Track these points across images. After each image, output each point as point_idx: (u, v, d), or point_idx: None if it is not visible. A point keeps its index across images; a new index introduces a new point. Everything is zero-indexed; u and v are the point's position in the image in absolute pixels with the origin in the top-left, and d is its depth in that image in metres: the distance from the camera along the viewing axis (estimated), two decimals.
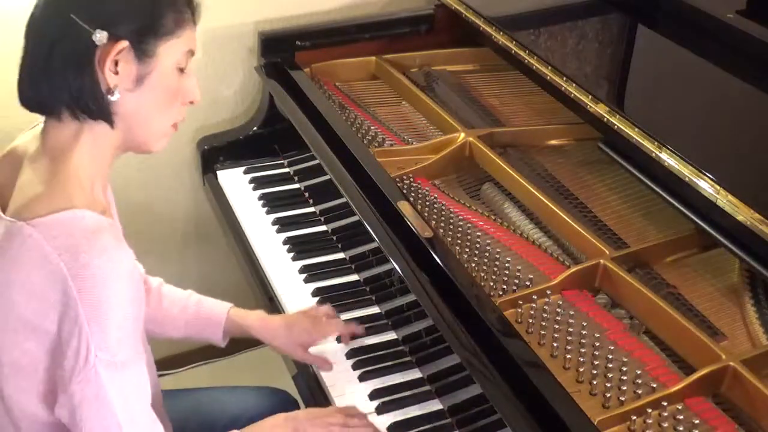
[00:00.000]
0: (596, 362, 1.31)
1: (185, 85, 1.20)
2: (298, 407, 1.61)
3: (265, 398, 1.62)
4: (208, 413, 1.57)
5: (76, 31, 1.07)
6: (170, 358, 2.41)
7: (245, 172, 2.03)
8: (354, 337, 1.56)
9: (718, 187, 1.32)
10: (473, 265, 1.49)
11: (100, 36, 1.07)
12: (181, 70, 1.18)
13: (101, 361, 1.07)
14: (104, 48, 1.08)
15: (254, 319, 1.55)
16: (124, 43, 1.09)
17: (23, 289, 1.08)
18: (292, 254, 1.78)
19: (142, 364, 1.15)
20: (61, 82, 1.10)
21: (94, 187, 1.16)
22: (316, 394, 1.50)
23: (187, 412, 1.55)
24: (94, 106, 1.11)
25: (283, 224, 1.86)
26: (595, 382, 1.28)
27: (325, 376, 1.50)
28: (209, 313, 1.53)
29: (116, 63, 1.10)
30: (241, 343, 2.46)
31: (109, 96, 1.11)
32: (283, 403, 1.61)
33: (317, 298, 1.65)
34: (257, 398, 1.61)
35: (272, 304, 1.69)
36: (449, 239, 1.55)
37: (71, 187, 1.12)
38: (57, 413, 1.12)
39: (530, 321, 1.38)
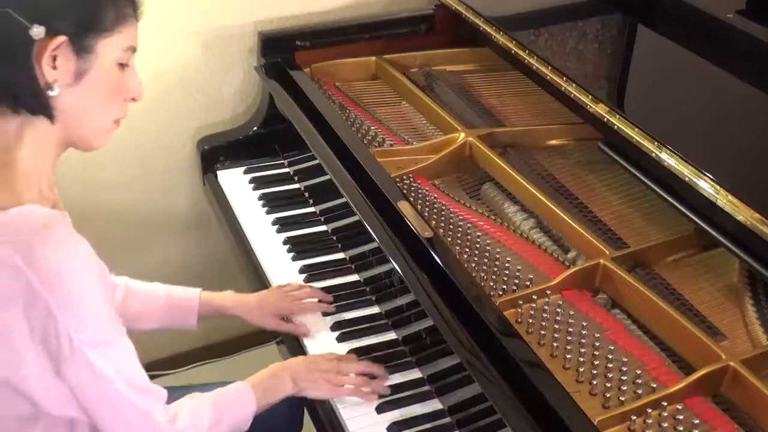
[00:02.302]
0: (596, 362, 1.31)
1: (127, 81, 1.19)
2: (300, 407, 1.61)
3: None
4: None
5: (13, 26, 1.07)
6: (170, 358, 2.42)
7: (245, 172, 2.03)
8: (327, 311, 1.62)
9: (718, 187, 1.32)
10: (473, 265, 1.49)
11: (38, 30, 1.07)
12: (123, 67, 1.18)
13: (85, 343, 1.10)
14: (42, 43, 1.08)
15: (227, 298, 1.60)
16: (62, 39, 1.09)
17: None
18: (292, 254, 1.78)
19: (124, 337, 1.18)
20: None
21: (40, 183, 1.17)
22: None
23: None
24: (33, 102, 1.12)
25: (283, 224, 1.86)
26: (595, 382, 1.28)
27: None
28: (181, 300, 1.57)
29: (54, 58, 1.10)
30: (241, 343, 2.48)
31: (48, 91, 1.11)
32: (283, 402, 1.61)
33: (321, 291, 1.65)
34: None
35: None
36: (449, 239, 1.55)
37: (18, 183, 1.13)
38: (43, 406, 1.14)
39: (530, 321, 1.38)
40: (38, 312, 1.07)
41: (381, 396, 1.44)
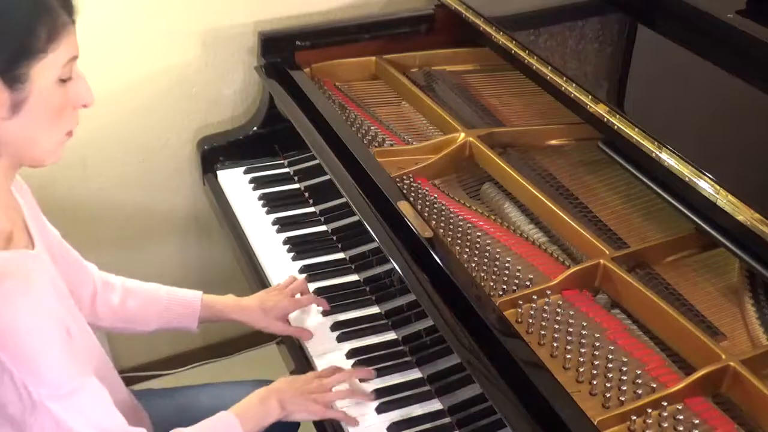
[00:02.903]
0: (596, 362, 1.31)
1: (73, 92, 1.11)
2: None
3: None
4: (198, 409, 1.58)
5: None
6: (170, 358, 2.42)
7: (245, 172, 2.03)
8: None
9: (718, 187, 1.32)
10: (473, 265, 1.49)
11: None
12: (65, 81, 1.09)
13: (47, 397, 1.07)
14: None
15: (228, 303, 1.58)
16: None
17: None
18: (292, 254, 1.78)
19: (91, 380, 1.14)
20: None
21: None
22: None
23: (176, 410, 1.55)
24: None
25: (283, 224, 1.86)
26: (595, 382, 1.28)
27: None
28: (183, 302, 1.54)
29: None
30: (241, 343, 2.48)
31: None
32: None
33: (312, 296, 1.65)
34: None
35: None
36: (449, 239, 1.55)
37: None
38: None
39: (530, 321, 1.38)
40: None
41: (378, 396, 1.44)
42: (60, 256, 1.32)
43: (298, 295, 1.62)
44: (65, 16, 1.06)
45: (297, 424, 1.61)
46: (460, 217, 1.61)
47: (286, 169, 2.03)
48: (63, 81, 1.09)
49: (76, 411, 1.10)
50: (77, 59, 1.11)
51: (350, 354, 1.53)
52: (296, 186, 1.98)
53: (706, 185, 1.34)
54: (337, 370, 1.45)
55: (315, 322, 1.61)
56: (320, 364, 1.52)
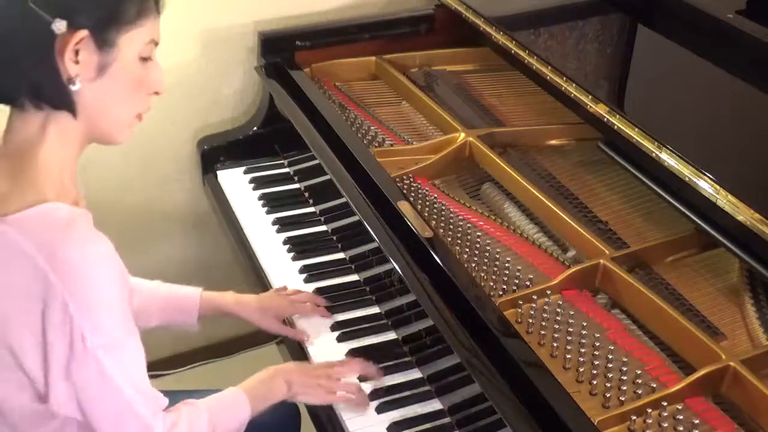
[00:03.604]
0: (596, 362, 1.31)
1: (150, 75, 1.18)
2: (297, 412, 1.61)
3: None
4: None
5: (35, 20, 1.06)
6: (170, 358, 2.42)
7: (245, 172, 2.03)
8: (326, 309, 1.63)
9: (718, 187, 1.32)
10: (473, 265, 1.49)
11: (60, 25, 1.06)
12: (145, 60, 1.16)
13: (98, 345, 1.09)
14: (64, 37, 1.07)
15: (228, 299, 1.59)
16: (84, 33, 1.07)
17: (3, 286, 1.09)
18: (292, 254, 1.78)
19: (137, 339, 1.17)
20: (21, 71, 1.09)
21: (63, 179, 1.16)
22: None
23: None
24: (56, 96, 1.11)
25: (283, 224, 1.86)
26: (595, 382, 1.28)
27: None
28: (183, 298, 1.56)
29: (77, 52, 1.08)
30: (241, 343, 2.48)
31: (70, 86, 1.10)
32: (280, 403, 1.61)
33: (320, 297, 1.65)
34: None
35: None
36: (449, 239, 1.55)
37: (41, 180, 1.12)
38: (53, 406, 1.13)
39: (530, 321, 1.38)
40: (56, 310, 1.07)
41: (378, 396, 1.44)
42: None
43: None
44: (151, 2, 1.16)
45: (298, 419, 1.61)
46: (460, 217, 1.61)
47: (286, 169, 2.03)
48: (144, 60, 1.16)
49: (120, 365, 1.13)
50: (157, 46, 1.19)
51: (350, 354, 1.53)
52: (296, 186, 1.98)
53: (706, 185, 1.34)
54: (347, 363, 1.47)
55: (315, 322, 1.61)
56: None
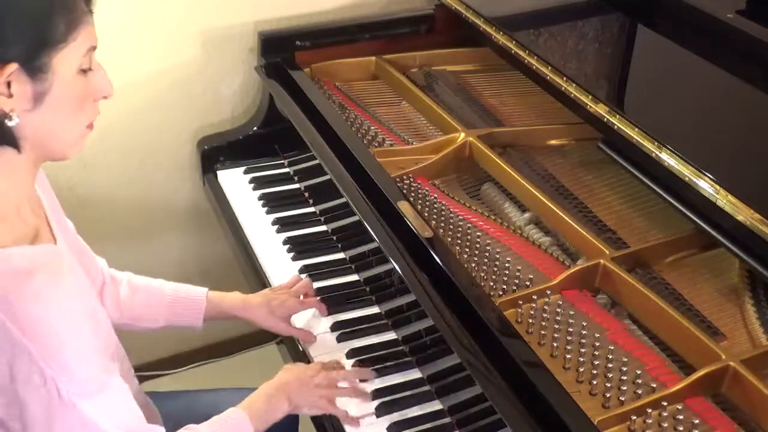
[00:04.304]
0: (596, 362, 1.31)
1: (93, 83, 1.12)
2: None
3: None
4: (205, 414, 1.58)
5: None
6: (170, 359, 2.42)
7: (245, 172, 2.03)
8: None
9: (718, 187, 1.32)
10: (473, 265, 1.49)
11: None
12: (85, 71, 1.10)
13: (74, 394, 1.06)
14: None
15: (234, 300, 1.58)
16: (13, 66, 1.01)
17: None
18: (292, 254, 1.78)
19: (116, 377, 1.14)
20: None
21: (20, 211, 1.11)
22: None
23: (184, 414, 1.55)
24: None
25: (283, 224, 1.86)
26: (595, 382, 1.28)
27: None
28: (188, 299, 1.54)
29: (9, 85, 1.02)
30: (241, 343, 2.48)
31: (6, 121, 1.04)
32: None
33: (317, 298, 1.65)
34: None
35: None
36: (449, 239, 1.55)
37: None
38: None
39: (530, 321, 1.38)
40: (24, 364, 1.03)
41: (378, 396, 1.44)
42: (76, 249, 1.32)
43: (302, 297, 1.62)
44: (83, 6, 1.07)
45: (296, 421, 1.61)
46: (460, 217, 1.61)
47: (286, 169, 2.03)
48: (83, 71, 1.09)
49: (103, 409, 1.09)
50: (96, 50, 1.12)
51: (350, 354, 1.53)
52: (296, 186, 1.98)
53: (706, 185, 1.34)
54: (339, 364, 1.47)
55: (315, 322, 1.61)
56: None
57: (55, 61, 1.05)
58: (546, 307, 1.39)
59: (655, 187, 1.48)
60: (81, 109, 1.11)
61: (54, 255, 1.12)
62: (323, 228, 1.85)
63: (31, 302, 1.03)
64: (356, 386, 1.44)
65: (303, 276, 1.70)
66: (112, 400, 1.12)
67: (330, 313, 1.62)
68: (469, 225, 1.59)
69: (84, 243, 1.42)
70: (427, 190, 1.67)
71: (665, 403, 1.22)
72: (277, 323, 1.57)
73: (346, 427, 1.40)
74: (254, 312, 1.56)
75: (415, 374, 1.49)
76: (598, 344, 1.34)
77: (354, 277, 1.71)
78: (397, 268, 1.47)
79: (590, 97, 1.57)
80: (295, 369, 1.43)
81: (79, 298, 1.10)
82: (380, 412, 1.42)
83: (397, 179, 1.66)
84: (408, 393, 1.45)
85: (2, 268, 1.03)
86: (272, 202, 1.92)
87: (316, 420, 1.47)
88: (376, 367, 1.49)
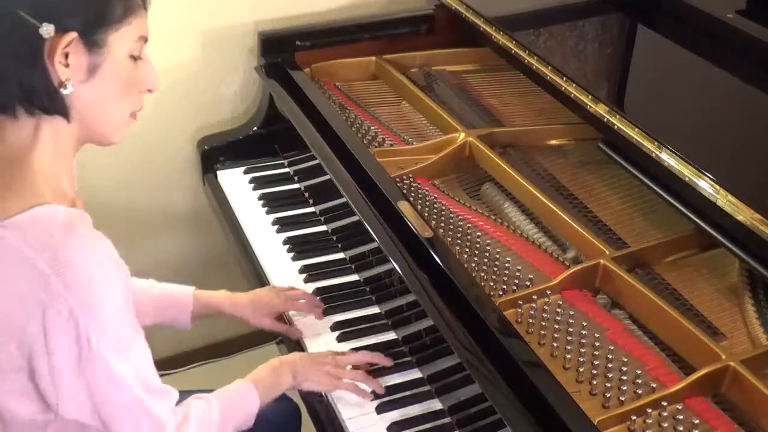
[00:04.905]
0: (596, 362, 1.31)
1: (141, 72, 1.18)
2: (297, 411, 1.61)
3: None
4: None
5: (22, 26, 1.06)
6: (170, 358, 2.42)
7: (245, 172, 2.03)
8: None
9: (718, 187, 1.32)
10: (473, 265, 1.49)
11: (47, 29, 1.06)
12: (135, 58, 1.16)
13: (106, 346, 1.09)
14: (52, 41, 1.07)
15: (221, 298, 1.60)
16: (73, 35, 1.07)
17: (3, 291, 1.08)
18: (292, 254, 1.78)
19: (143, 339, 1.18)
20: (12, 78, 1.09)
21: (59, 181, 1.16)
22: (315, 394, 1.49)
23: None
24: (48, 101, 1.11)
25: (283, 224, 1.86)
26: (595, 382, 1.28)
27: None
28: (176, 298, 1.56)
29: (66, 55, 1.08)
30: (241, 343, 2.48)
31: (62, 89, 1.10)
32: (281, 403, 1.61)
33: (317, 298, 1.65)
34: None
35: None
36: (449, 239, 1.55)
37: (38, 183, 1.12)
38: (63, 411, 1.13)
39: (530, 321, 1.38)
40: (61, 314, 1.06)
41: (377, 396, 1.44)
42: None
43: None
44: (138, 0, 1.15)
45: (299, 418, 1.61)
46: (460, 217, 1.61)
47: (286, 169, 2.03)
48: (134, 58, 1.16)
49: (129, 364, 1.13)
50: (147, 42, 1.18)
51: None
52: (296, 186, 1.98)
53: (706, 185, 1.34)
54: (350, 354, 1.49)
55: (314, 323, 1.61)
56: None
57: (110, 39, 1.11)
58: (546, 307, 1.39)
59: (655, 187, 1.48)
60: (128, 93, 1.18)
61: (89, 219, 1.15)
62: (323, 228, 1.85)
63: (75, 252, 1.06)
64: (364, 374, 1.45)
65: (301, 275, 1.70)
66: (137, 357, 1.16)
67: (330, 312, 1.62)
68: (469, 225, 1.59)
69: None
70: (427, 190, 1.67)
71: (665, 403, 1.22)
72: (261, 319, 1.59)
73: (346, 424, 1.40)
74: (239, 308, 1.59)
75: (415, 374, 1.49)
76: (598, 344, 1.34)
77: (354, 277, 1.71)
78: (397, 268, 1.47)
79: (590, 97, 1.57)
80: (304, 352, 1.48)
81: (116, 258, 1.14)
82: (380, 411, 1.42)
83: (397, 179, 1.66)
84: (408, 393, 1.45)
85: (49, 222, 1.08)
86: (272, 202, 1.92)
87: (316, 420, 1.47)
88: (376, 367, 1.49)
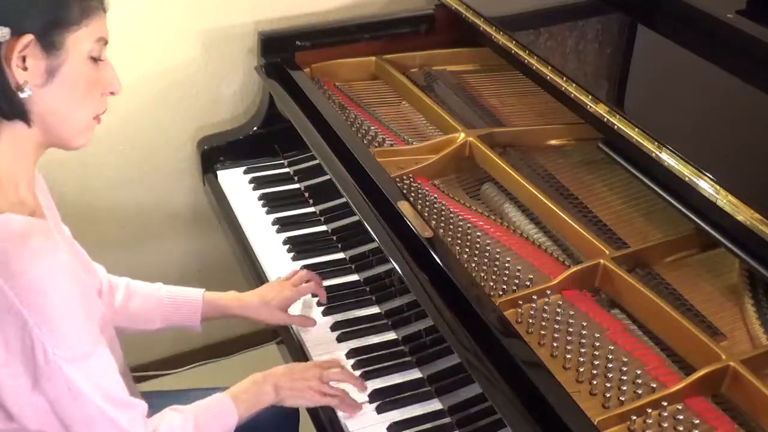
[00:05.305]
0: (596, 362, 1.31)
1: (103, 75, 1.17)
2: (296, 411, 1.61)
3: None
4: None
5: None
6: (170, 358, 2.42)
7: (245, 172, 2.03)
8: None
9: (718, 187, 1.32)
10: (473, 265, 1.49)
11: (2, 32, 1.05)
12: (95, 60, 1.15)
13: (62, 358, 1.08)
14: (8, 44, 1.06)
15: (230, 299, 1.59)
16: (29, 37, 1.06)
17: None
18: (292, 254, 1.78)
19: (103, 348, 1.16)
20: None
21: (18, 189, 1.14)
22: None
23: None
24: (6, 106, 1.10)
25: (283, 224, 1.86)
26: (595, 382, 1.28)
27: None
28: (185, 301, 1.55)
29: (23, 59, 1.07)
30: (241, 343, 2.48)
31: (19, 93, 1.08)
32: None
33: (317, 298, 1.65)
34: None
35: None
36: (449, 239, 1.55)
37: None
38: (24, 422, 1.12)
39: (530, 321, 1.38)
40: (14, 325, 1.05)
41: (377, 397, 1.44)
42: (71, 252, 1.32)
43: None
44: (95, 1, 1.13)
45: (297, 420, 1.61)
46: (460, 217, 1.61)
47: (286, 169, 2.03)
48: (94, 60, 1.14)
49: (88, 375, 1.12)
50: (107, 44, 1.16)
51: (350, 354, 1.53)
52: (296, 186, 1.98)
53: (706, 185, 1.34)
54: (337, 362, 1.47)
55: (314, 323, 1.61)
56: None
57: (68, 41, 1.10)
58: (546, 307, 1.39)
59: (655, 187, 1.48)
60: (89, 95, 1.16)
61: (48, 228, 1.14)
62: (323, 228, 1.85)
63: (28, 262, 1.05)
64: (349, 381, 1.44)
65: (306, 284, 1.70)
66: (97, 367, 1.14)
67: (330, 312, 1.62)
68: (469, 225, 1.59)
69: (81, 249, 1.42)
70: (427, 190, 1.67)
71: (665, 403, 1.22)
72: (274, 314, 1.58)
73: (346, 424, 1.40)
74: (250, 308, 1.58)
75: (415, 374, 1.49)
76: (598, 344, 1.34)
77: (354, 277, 1.71)
78: (397, 268, 1.47)
79: (590, 97, 1.57)
80: (289, 365, 1.44)
81: (74, 265, 1.13)
82: (380, 411, 1.42)
83: (397, 179, 1.66)
84: (408, 393, 1.45)
85: (3, 231, 1.06)
86: (272, 202, 1.92)
87: (316, 420, 1.47)
88: (376, 366, 1.49)
